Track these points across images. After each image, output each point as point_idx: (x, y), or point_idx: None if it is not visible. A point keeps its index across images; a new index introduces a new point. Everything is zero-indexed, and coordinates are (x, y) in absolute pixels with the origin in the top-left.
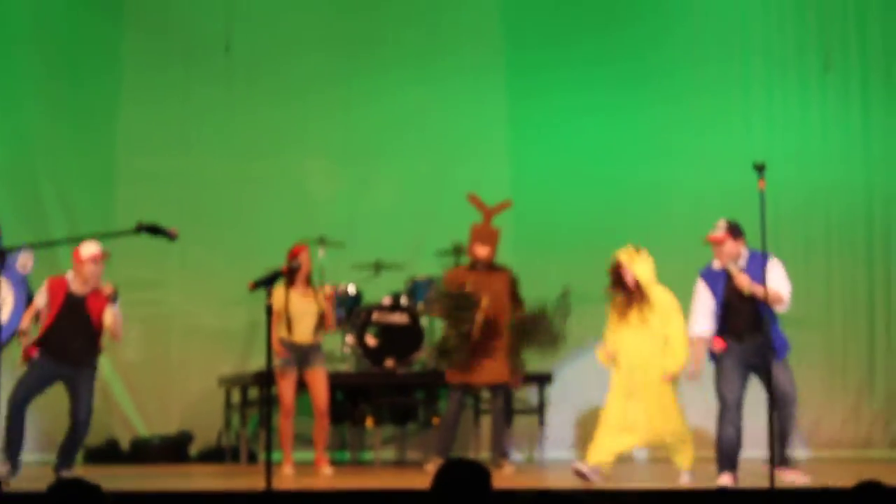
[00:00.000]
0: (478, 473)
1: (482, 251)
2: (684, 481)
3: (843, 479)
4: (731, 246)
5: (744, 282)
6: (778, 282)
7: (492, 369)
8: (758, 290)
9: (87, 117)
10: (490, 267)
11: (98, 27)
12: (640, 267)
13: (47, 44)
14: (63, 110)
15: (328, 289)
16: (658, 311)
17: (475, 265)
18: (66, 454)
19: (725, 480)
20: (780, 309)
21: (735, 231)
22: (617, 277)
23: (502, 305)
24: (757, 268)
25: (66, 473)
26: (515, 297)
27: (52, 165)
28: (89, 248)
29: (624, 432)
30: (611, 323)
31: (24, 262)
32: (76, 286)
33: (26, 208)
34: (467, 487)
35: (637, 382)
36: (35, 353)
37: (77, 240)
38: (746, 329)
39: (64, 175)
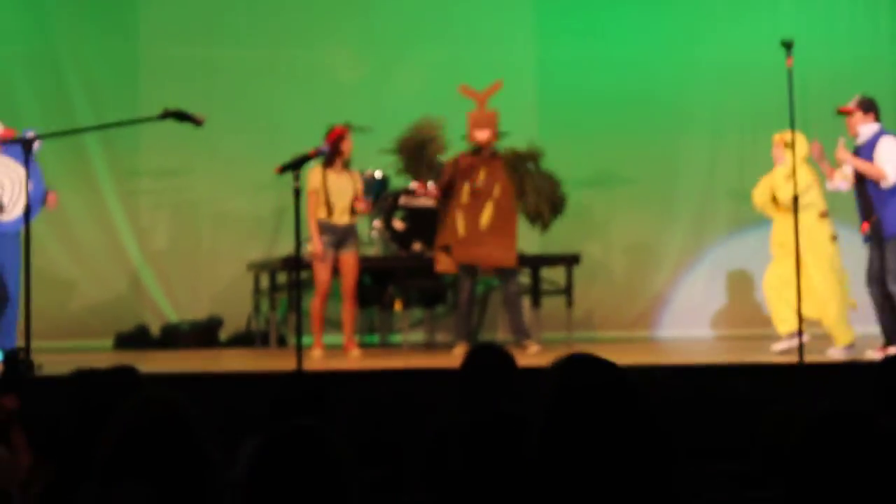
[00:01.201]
0: (502, 357)
1: (481, 135)
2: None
3: None
4: (858, 118)
5: (842, 156)
6: (883, 157)
7: (498, 255)
8: (858, 165)
9: (110, 4)
10: (494, 154)
11: None
12: (788, 154)
13: None
14: None
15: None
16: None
17: (479, 151)
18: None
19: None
20: (883, 184)
21: (865, 105)
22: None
23: (509, 191)
24: (873, 145)
25: None
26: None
27: (76, 54)
28: None
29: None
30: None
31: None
32: None
33: (50, 97)
34: (493, 371)
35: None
36: None
37: (104, 127)
38: (869, 209)
39: (88, 63)
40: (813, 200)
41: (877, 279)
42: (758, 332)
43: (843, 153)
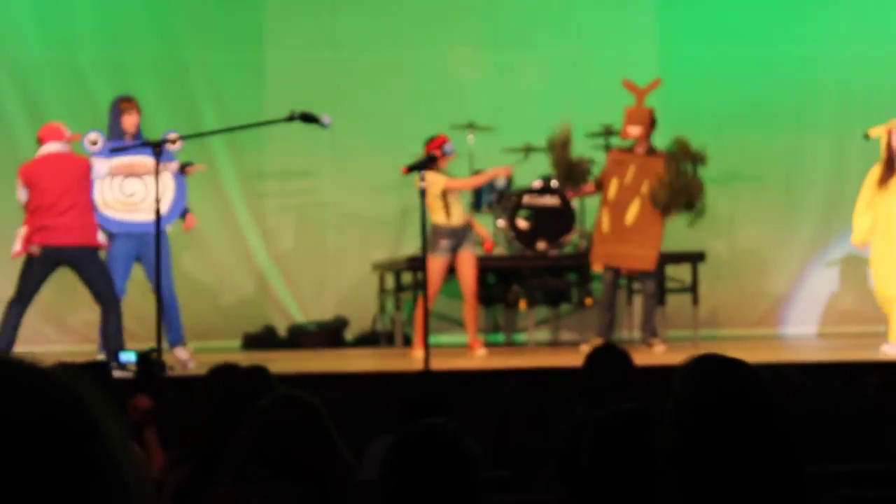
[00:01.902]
0: (621, 357)
1: (634, 130)
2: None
3: None
4: None
5: None
6: None
7: (640, 256)
8: None
9: (235, 7)
10: (650, 151)
11: None
12: None
13: None
14: (212, 6)
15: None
16: None
17: (633, 148)
18: (111, 336)
19: None
20: None
21: None
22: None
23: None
24: None
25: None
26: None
27: (203, 60)
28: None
29: None
30: (864, 191)
31: (171, 138)
32: None
33: (178, 103)
34: (611, 369)
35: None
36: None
37: (230, 130)
38: None
39: (214, 69)
40: None
41: None
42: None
43: None
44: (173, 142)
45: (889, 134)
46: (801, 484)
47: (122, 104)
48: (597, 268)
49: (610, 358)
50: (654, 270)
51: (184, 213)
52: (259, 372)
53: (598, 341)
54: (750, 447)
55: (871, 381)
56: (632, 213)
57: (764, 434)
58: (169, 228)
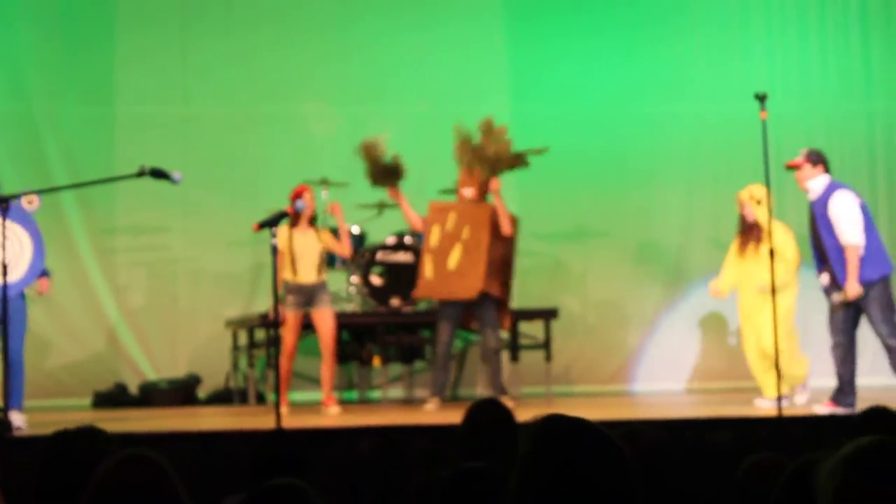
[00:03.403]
0: (503, 412)
1: (467, 192)
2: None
3: None
4: (808, 171)
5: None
6: (837, 212)
7: (464, 286)
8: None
9: (86, 59)
10: (476, 201)
11: None
12: (759, 209)
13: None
14: (60, 54)
15: (331, 205)
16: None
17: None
18: None
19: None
20: (842, 242)
21: (813, 158)
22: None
23: (480, 236)
24: (827, 198)
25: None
26: (496, 231)
27: (52, 115)
28: None
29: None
30: (729, 257)
31: (29, 198)
32: None
33: (27, 157)
34: (495, 425)
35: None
36: None
37: (80, 186)
38: (821, 259)
39: (64, 124)
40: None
41: (838, 331)
42: (733, 385)
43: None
44: (20, 196)
45: (741, 205)
46: None
47: None
48: (420, 296)
49: (490, 413)
50: (474, 297)
51: (40, 275)
52: (94, 433)
53: (436, 401)
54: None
55: (721, 437)
56: (454, 258)
57: (609, 494)
58: (26, 290)
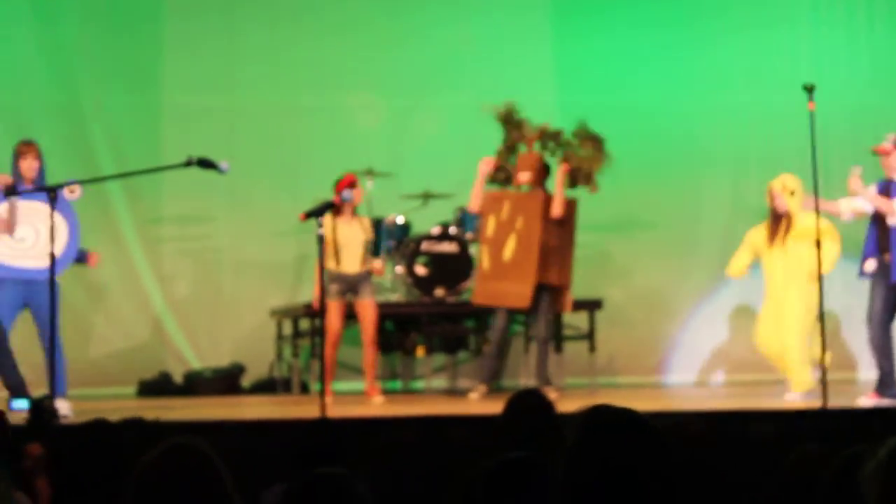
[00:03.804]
0: (543, 402)
1: (524, 177)
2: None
3: None
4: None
5: (855, 187)
6: None
7: (516, 294)
8: (872, 199)
9: (133, 51)
10: (530, 189)
11: None
12: (792, 200)
13: None
14: (106, 44)
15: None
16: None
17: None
18: (14, 380)
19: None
20: (890, 221)
21: None
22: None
23: (533, 227)
24: None
25: (20, 403)
26: (550, 219)
27: (99, 104)
28: None
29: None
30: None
31: (71, 188)
32: None
33: (74, 146)
34: (536, 415)
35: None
36: None
37: (127, 175)
38: (884, 247)
39: (110, 113)
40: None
41: (878, 322)
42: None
43: (856, 183)
44: (64, 186)
45: (771, 196)
46: None
47: (20, 148)
48: (477, 302)
49: (531, 404)
50: (525, 308)
51: (81, 257)
52: (136, 424)
53: (483, 389)
54: (639, 495)
55: (764, 429)
56: (509, 248)
57: (653, 482)
58: (59, 276)
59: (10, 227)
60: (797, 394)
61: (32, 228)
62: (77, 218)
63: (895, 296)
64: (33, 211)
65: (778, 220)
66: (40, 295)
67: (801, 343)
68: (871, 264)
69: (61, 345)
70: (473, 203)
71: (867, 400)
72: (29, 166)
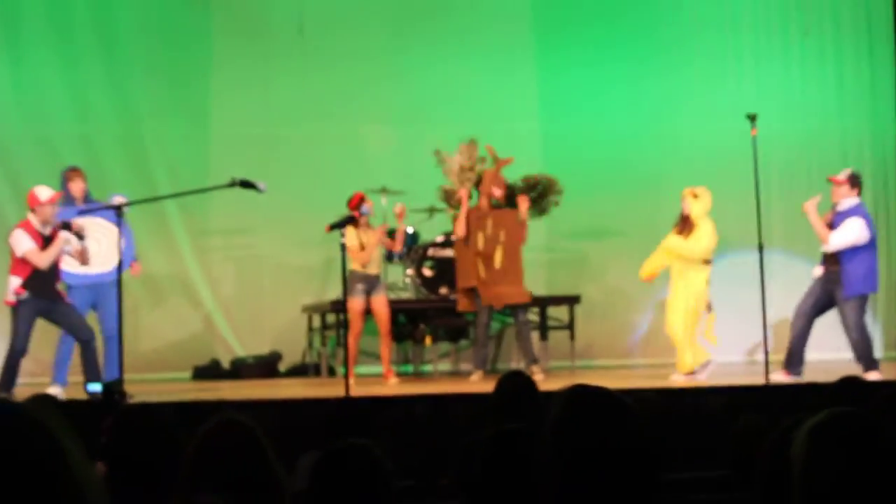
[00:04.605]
0: (527, 381)
1: (498, 192)
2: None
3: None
4: (845, 191)
5: (811, 218)
6: (842, 229)
7: (516, 293)
8: (813, 223)
9: (185, 90)
10: (506, 206)
11: (191, 12)
12: (694, 204)
13: (151, 31)
14: (164, 84)
15: (398, 207)
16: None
17: (494, 204)
18: (92, 368)
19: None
20: (823, 247)
21: (853, 181)
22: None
23: (517, 237)
24: (846, 215)
25: (94, 387)
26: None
27: (157, 131)
28: (46, 192)
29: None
30: (662, 244)
31: (118, 200)
32: (40, 228)
33: (137, 169)
34: (521, 392)
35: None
36: (22, 293)
37: (181, 195)
38: (829, 259)
39: (166, 139)
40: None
41: (803, 314)
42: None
43: (810, 207)
44: (123, 206)
45: (683, 199)
46: (656, 489)
47: (68, 173)
48: (469, 308)
49: (517, 383)
50: (530, 301)
51: (131, 263)
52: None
53: (480, 373)
54: (613, 460)
55: (715, 402)
56: (497, 259)
57: (624, 449)
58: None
59: (84, 259)
60: (680, 374)
61: (94, 240)
62: (131, 228)
63: (828, 299)
64: (93, 225)
65: (683, 221)
66: (106, 296)
67: (686, 329)
68: (817, 270)
69: (116, 336)
70: (460, 229)
71: (778, 376)
72: (78, 188)
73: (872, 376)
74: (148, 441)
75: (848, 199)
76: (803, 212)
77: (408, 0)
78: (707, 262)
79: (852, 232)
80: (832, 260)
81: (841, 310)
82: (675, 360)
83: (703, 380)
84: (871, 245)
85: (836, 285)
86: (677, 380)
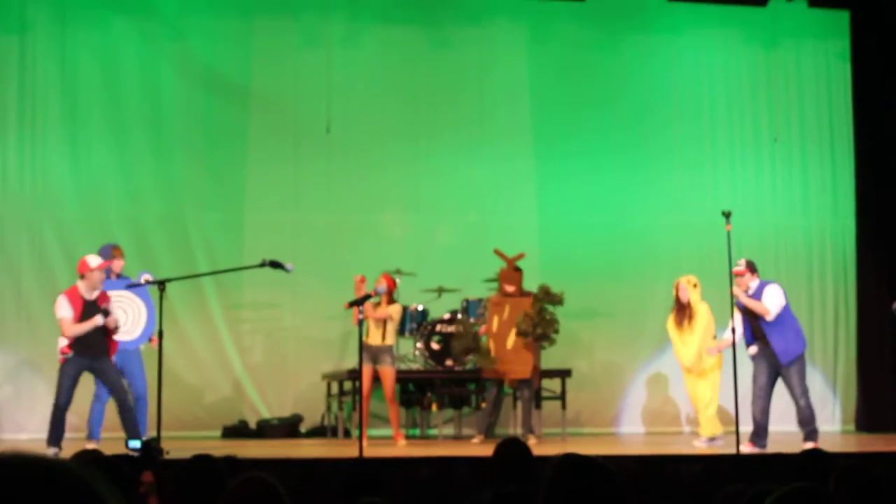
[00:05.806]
0: (523, 448)
1: (510, 289)
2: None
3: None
4: (748, 277)
5: (745, 301)
6: (767, 300)
7: (518, 370)
8: (750, 304)
9: (223, 179)
10: (520, 294)
11: (231, 111)
12: (693, 292)
13: (193, 127)
14: (205, 174)
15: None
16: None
17: (508, 295)
18: (130, 426)
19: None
20: (767, 318)
21: (752, 267)
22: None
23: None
24: (760, 292)
25: (134, 443)
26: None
27: (197, 216)
28: (96, 260)
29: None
30: (672, 333)
31: (145, 277)
32: (86, 293)
33: (178, 250)
34: (517, 457)
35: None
36: (69, 352)
37: (217, 273)
38: (759, 336)
39: (206, 224)
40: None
41: (763, 394)
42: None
43: (738, 292)
44: (149, 283)
45: (678, 287)
46: None
47: (113, 250)
48: (486, 377)
49: (514, 449)
50: (529, 378)
51: (151, 336)
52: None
53: (481, 437)
54: None
55: (692, 470)
56: (510, 340)
57: None
58: (142, 346)
59: (114, 332)
60: (705, 439)
61: (121, 311)
62: (153, 301)
63: (775, 372)
64: (120, 297)
65: (683, 308)
66: (132, 362)
67: (713, 398)
68: (753, 349)
69: (145, 395)
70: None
71: (746, 448)
72: (118, 264)
73: (809, 445)
74: (195, 492)
75: (753, 282)
76: (735, 295)
77: (418, 101)
78: (714, 337)
79: (777, 296)
80: (760, 335)
81: (786, 379)
82: (698, 427)
83: (720, 446)
84: (787, 308)
85: (774, 358)
86: (699, 445)
